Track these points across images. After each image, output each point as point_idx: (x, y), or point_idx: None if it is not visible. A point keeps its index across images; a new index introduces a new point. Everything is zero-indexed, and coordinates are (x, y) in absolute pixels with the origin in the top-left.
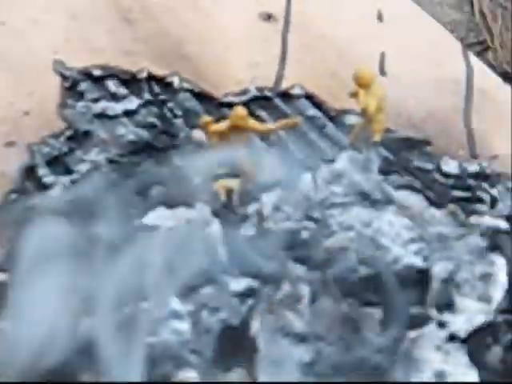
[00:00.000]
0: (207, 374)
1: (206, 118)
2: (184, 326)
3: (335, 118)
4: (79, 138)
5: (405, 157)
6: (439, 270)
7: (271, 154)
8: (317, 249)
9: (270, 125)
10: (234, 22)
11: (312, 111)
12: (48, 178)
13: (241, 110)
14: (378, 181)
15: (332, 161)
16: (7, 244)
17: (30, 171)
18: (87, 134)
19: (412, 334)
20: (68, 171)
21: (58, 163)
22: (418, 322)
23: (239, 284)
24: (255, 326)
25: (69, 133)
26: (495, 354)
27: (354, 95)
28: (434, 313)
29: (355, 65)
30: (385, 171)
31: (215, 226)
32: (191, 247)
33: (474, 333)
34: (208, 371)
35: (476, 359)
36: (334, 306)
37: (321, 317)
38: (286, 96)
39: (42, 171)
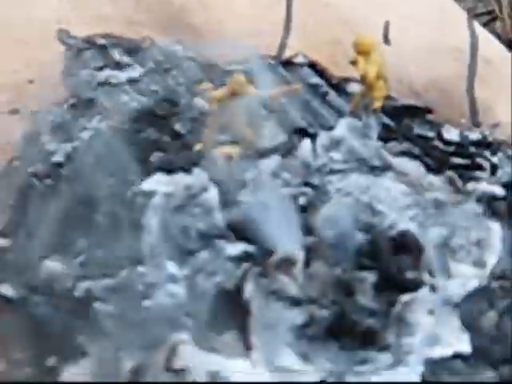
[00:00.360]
0: (200, 336)
1: (205, 85)
2: (179, 289)
3: (337, 85)
4: (82, 105)
5: (406, 124)
6: (434, 235)
7: (271, 121)
8: (313, 215)
9: (270, 91)
10: None
11: (314, 79)
12: (51, 145)
13: (239, 77)
14: (377, 147)
15: (331, 128)
16: (9, 210)
17: (33, 138)
18: (90, 101)
19: (405, 297)
20: (71, 138)
21: (61, 130)
22: (412, 286)
23: (235, 248)
24: (249, 289)
25: (72, 101)
26: (488, 318)
27: (354, 63)
28: (427, 277)
29: (358, 33)
30: (384, 138)
31: (212, 192)
32: (188, 212)
33: (468, 297)
34: (201, 334)
35: (468, 324)
36: (328, 270)
37: (315, 281)
38: (288, 64)
39: (45, 138)
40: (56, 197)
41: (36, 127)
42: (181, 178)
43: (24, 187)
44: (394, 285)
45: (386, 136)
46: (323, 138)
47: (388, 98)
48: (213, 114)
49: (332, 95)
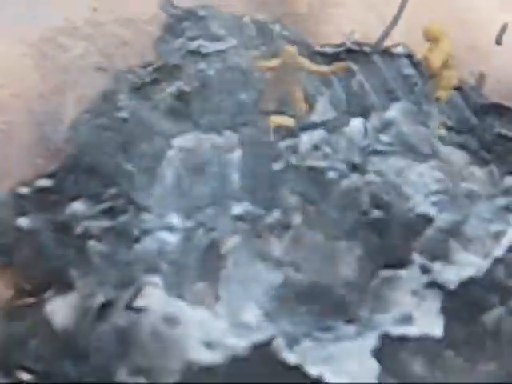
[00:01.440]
0: (174, 282)
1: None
2: (172, 238)
3: (430, 78)
4: (166, 70)
5: (488, 122)
6: (445, 221)
7: (325, 97)
8: (333, 188)
9: (323, 67)
10: None
11: (408, 70)
12: (122, 103)
13: (290, 48)
14: (428, 135)
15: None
16: (66, 158)
17: (109, 95)
18: (175, 67)
19: (385, 273)
20: (146, 99)
21: (139, 91)
22: (400, 264)
23: (241, 208)
24: (228, 245)
25: (157, 65)
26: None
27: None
28: (419, 258)
29: (472, 32)
30: (447, 127)
31: (237, 154)
32: (208, 170)
33: (461, 285)
34: (176, 280)
35: (449, 311)
36: (314, 236)
37: (300, 245)
38: (386, 53)
39: (122, 96)
40: (107, 149)
41: (116, 85)
42: (212, 137)
43: (88, 140)
44: (379, 260)
45: (456, 125)
46: (375, 118)
47: (479, 95)
48: (270, 85)
49: (420, 87)
